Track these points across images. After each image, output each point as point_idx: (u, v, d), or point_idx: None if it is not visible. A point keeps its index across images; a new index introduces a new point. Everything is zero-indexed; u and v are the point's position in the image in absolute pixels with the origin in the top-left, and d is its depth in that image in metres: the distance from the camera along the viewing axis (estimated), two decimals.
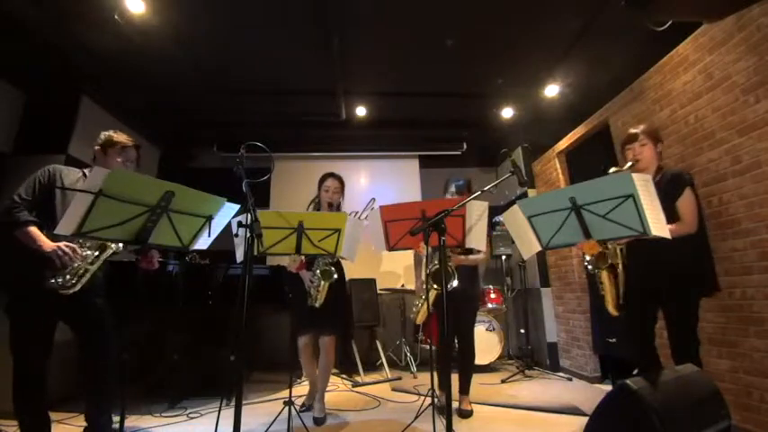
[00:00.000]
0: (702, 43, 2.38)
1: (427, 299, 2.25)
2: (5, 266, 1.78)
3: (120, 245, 1.69)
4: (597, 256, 1.89)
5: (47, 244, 1.65)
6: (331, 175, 2.66)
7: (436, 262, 2.23)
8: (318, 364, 2.62)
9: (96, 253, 1.70)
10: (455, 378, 2.45)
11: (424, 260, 2.45)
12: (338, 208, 2.68)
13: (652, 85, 2.79)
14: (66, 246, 1.64)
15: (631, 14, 2.41)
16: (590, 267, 1.95)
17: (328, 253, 2.15)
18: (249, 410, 2.73)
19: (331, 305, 2.42)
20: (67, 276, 1.63)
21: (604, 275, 1.95)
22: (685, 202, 1.91)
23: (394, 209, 2.22)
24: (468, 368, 2.68)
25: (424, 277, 2.71)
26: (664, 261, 1.88)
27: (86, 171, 1.95)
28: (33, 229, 1.68)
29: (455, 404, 2.61)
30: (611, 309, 2.00)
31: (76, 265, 1.65)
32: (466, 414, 2.57)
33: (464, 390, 2.66)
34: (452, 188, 2.68)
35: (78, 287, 1.66)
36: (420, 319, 2.65)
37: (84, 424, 1.89)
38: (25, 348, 1.72)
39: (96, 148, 1.96)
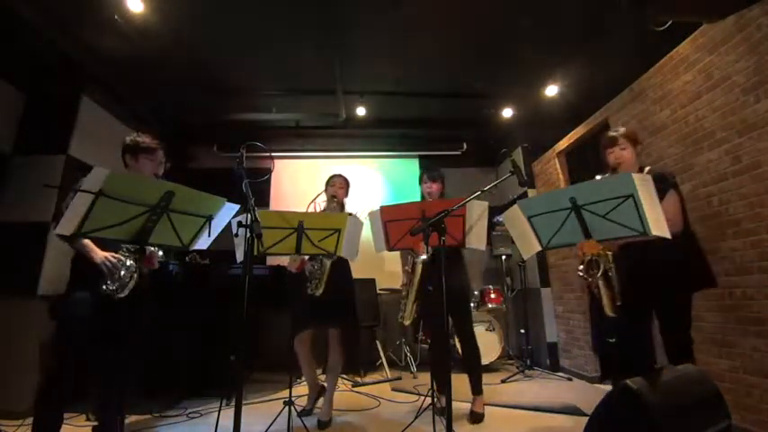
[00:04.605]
0: (702, 43, 2.38)
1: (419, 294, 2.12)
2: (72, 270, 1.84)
3: (160, 253, 1.81)
4: (588, 263, 1.84)
5: (97, 254, 1.72)
6: (339, 175, 2.75)
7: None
8: (327, 364, 2.55)
9: (136, 264, 1.77)
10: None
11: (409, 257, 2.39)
12: (341, 205, 2.69)
13: (652, 85, 2.78)
14: (113, 256, 1.73)
15: (631, 14, 2.41)
16: (584, 276, 1.88)
17: (328, 252, 2.15)
18: (249, 410, 2.73)
19: (334, 295, 2.35)
20: (117, 284, 1.71)
21: (600, 283, 1.93)
22: (668, 204, 1.87)
23: (394, 209, 2.22)
24: (475, 367, 2.56)
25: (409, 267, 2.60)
26: (651, 262, 1.87)
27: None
28: (87, 241, 1.73)
29: (467, 406, 2.55)
30: (608, 311, 1.99)
31: (123, 273, 1.72)
32: (478, 418, 2.44)
33: (476, 390, 2.53)
34: (425, 175, 2.65)
35: (126, 293, 1.73)
36: (407, 319, 2.49)
37: (86, 424, 1.89)
38: (69, 348, 1.72)
39: (126, 155, 1.93)
